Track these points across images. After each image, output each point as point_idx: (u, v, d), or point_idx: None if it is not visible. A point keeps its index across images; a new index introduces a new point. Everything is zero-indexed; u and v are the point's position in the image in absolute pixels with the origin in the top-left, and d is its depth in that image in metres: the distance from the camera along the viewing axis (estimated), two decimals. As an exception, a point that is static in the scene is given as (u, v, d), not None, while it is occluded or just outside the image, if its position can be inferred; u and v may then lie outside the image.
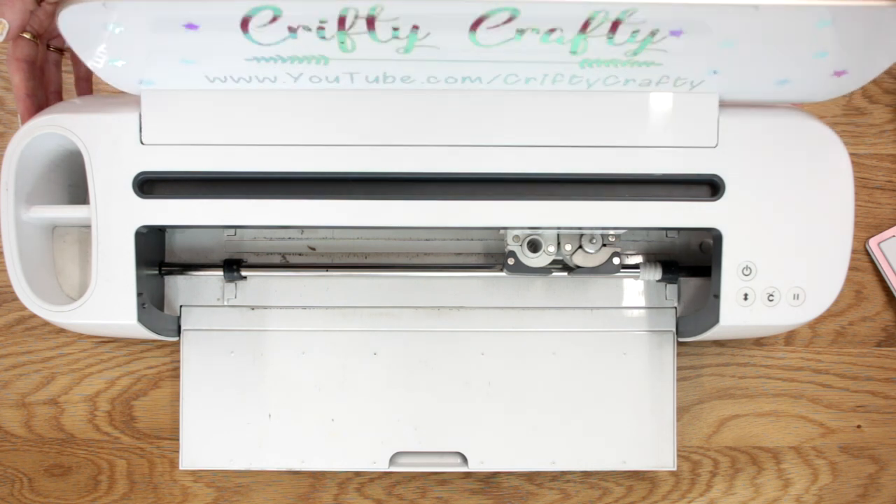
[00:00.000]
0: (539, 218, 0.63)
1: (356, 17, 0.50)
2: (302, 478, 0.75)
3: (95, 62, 0.56)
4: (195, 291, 0.71)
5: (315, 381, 0.71)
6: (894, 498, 0.76)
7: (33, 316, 0.69)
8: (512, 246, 0.66)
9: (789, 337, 0.76)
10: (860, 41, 0.53)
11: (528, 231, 0.66)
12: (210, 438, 0.70)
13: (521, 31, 0.52)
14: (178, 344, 0.72)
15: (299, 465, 0.70)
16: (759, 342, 0.76)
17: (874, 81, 0.76)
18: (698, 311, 0.69)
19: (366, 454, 0.70)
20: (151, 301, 0.67)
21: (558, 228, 0.65)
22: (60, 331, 0.74)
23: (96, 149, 0.61)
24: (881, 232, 0.76)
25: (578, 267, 0.67)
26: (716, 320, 0.64)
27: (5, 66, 0.74)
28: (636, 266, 0.70)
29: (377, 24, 0.50)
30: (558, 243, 0.66)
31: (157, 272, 0.70)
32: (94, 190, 0.62)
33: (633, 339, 0.72)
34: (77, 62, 0.69)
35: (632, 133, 0.62)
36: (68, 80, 0.77)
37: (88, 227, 0.64)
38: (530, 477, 0.75)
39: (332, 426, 0.71)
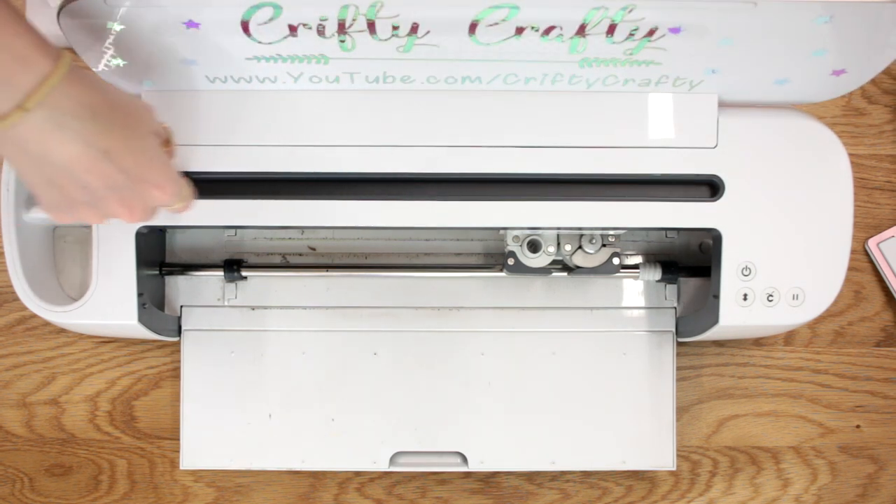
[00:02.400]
0: (539, 218, 0.63)
1: (356, 14, 0.50)
2: (302, 478, 0.75)
3: (96, 62, 0.56)
4: (195, 291, 0.72)
5: (315, 381, 0.71)
6: (893, 498, 0.76)
7: (34, 316, 0.69)
8: (512, 246, 0.66)
9: (789, 337, 0.77)
10: (859, 38, 0.53)
11: (528, 231, 0.66)
12: (210, 438, 0.70)
13: (520, 30, 0.52)
14: (178, 344, 0.72)
15: (299, 465, 0.70)
16: (758, 342, 0.76)
17: (873, 82, 0.77)
18: (698, 312, 0.69)
19: (366, 454, 0.70)
20: (152, 301, 0.67)
21: (558, 229, 0.65)
22: (61, 331, 0.74)
23: None
24: (880, 232, 0.77)
25: (578, 267, 0.67)
26: (715, 320, 0.64)
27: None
28: (636, 266, 0.70)
29: (377, 21, 0.51)
30: (558, 244, 0.66)
31: (157, 272, 0.70)
32: (94, 190, 0.62)
33: (632, 339, 0.72)
34: None
35: (631, 133, 0.62)
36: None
37: (89, 227, 0.64)
38: (530, 477, 0.75)
39: (332, 426, 0.71)
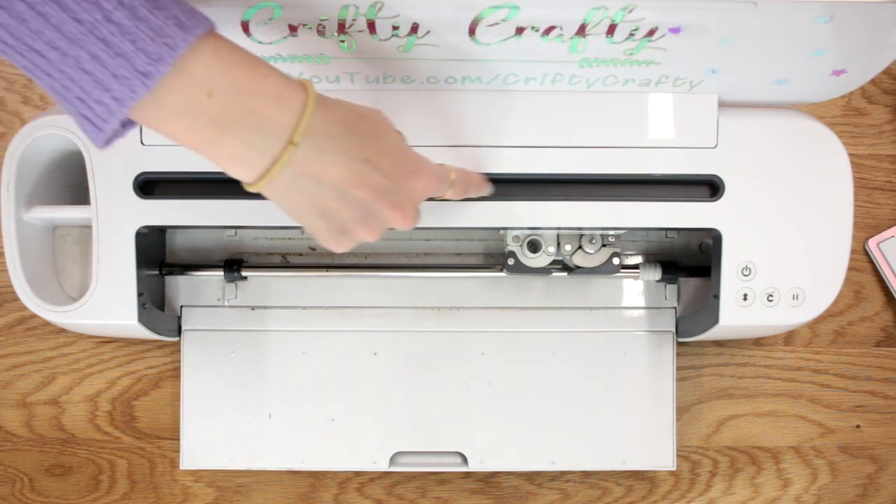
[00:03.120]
0: (539, 218, 0.63)
1: (356, 14, 0.50)
2: (302, 478, 0.75)
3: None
4: (196, 292, 0.72)
5: (315, 381, 0.71)
6: (893, 498, 0.76)
7: (34, 316, 0.69)
8: (512, 246, 0.66)
9: (789, 337, 0.77)
10: (859, 39, 0.53)
11: (528, 231, 0.66)
12: (210, 438, 0.70)
13: (520, 30, 0.52)
14: (178, 344, 0.72)
15: (299, 465, 0.70)
16: (758, 342, 0.76)
17: (873, 82, 0.77)
18: (698, 312, 0.69)
19: (366, 454, 0.71)
20: (152, 301, 0.67)
21: (558, 229, 0.65)
22: (61, 331, 0.74)
23: (97, 149, 0.61)
24: (880, 232, 0.77)
25: (578, 267, 0.67)
26: (715, 320, 0.64)
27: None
28: (636, 266, 0.70)
29: (377, 21, 0.51)
30: (558, 244, 0.66)
31: (157, 272, 0.70)
32: (94, 190, 0.62)
33: (632, 339, 0.72)
34: None
35: (632, 133, 0.62)
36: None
37: (89, 227, 0.64)
38: (530, 477, 0.75)
39: (332, 426, 0.71)
